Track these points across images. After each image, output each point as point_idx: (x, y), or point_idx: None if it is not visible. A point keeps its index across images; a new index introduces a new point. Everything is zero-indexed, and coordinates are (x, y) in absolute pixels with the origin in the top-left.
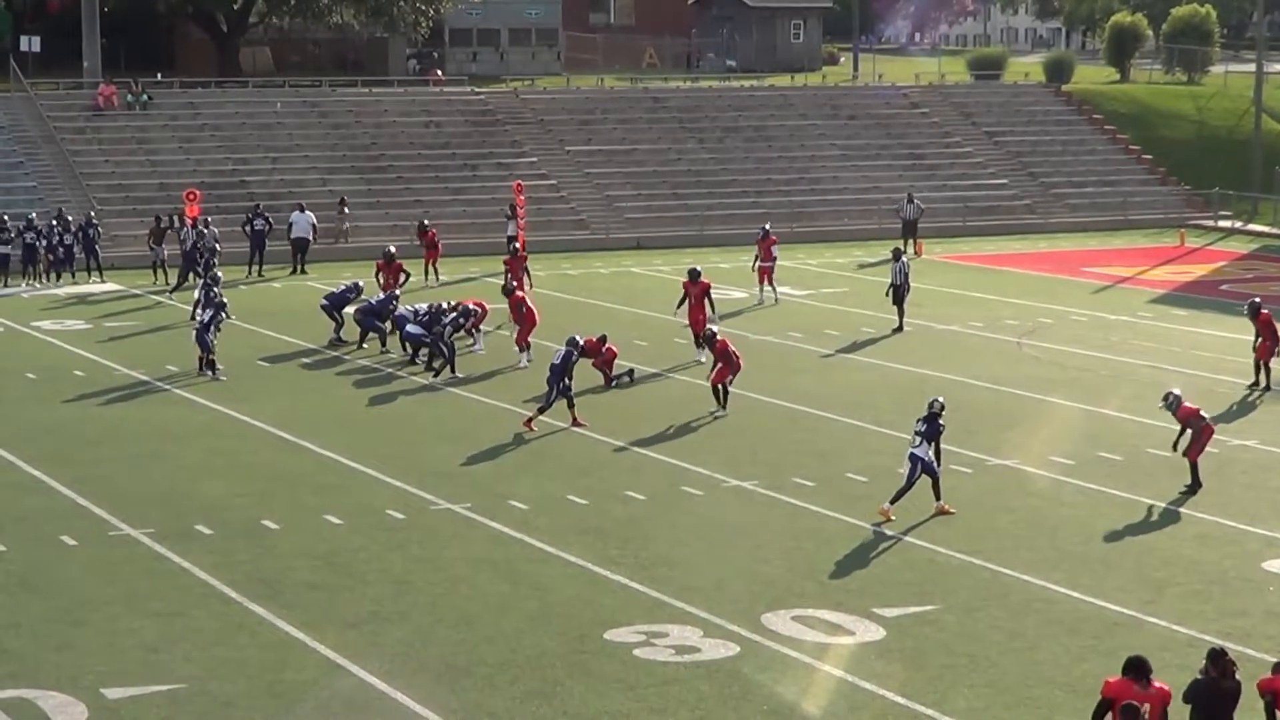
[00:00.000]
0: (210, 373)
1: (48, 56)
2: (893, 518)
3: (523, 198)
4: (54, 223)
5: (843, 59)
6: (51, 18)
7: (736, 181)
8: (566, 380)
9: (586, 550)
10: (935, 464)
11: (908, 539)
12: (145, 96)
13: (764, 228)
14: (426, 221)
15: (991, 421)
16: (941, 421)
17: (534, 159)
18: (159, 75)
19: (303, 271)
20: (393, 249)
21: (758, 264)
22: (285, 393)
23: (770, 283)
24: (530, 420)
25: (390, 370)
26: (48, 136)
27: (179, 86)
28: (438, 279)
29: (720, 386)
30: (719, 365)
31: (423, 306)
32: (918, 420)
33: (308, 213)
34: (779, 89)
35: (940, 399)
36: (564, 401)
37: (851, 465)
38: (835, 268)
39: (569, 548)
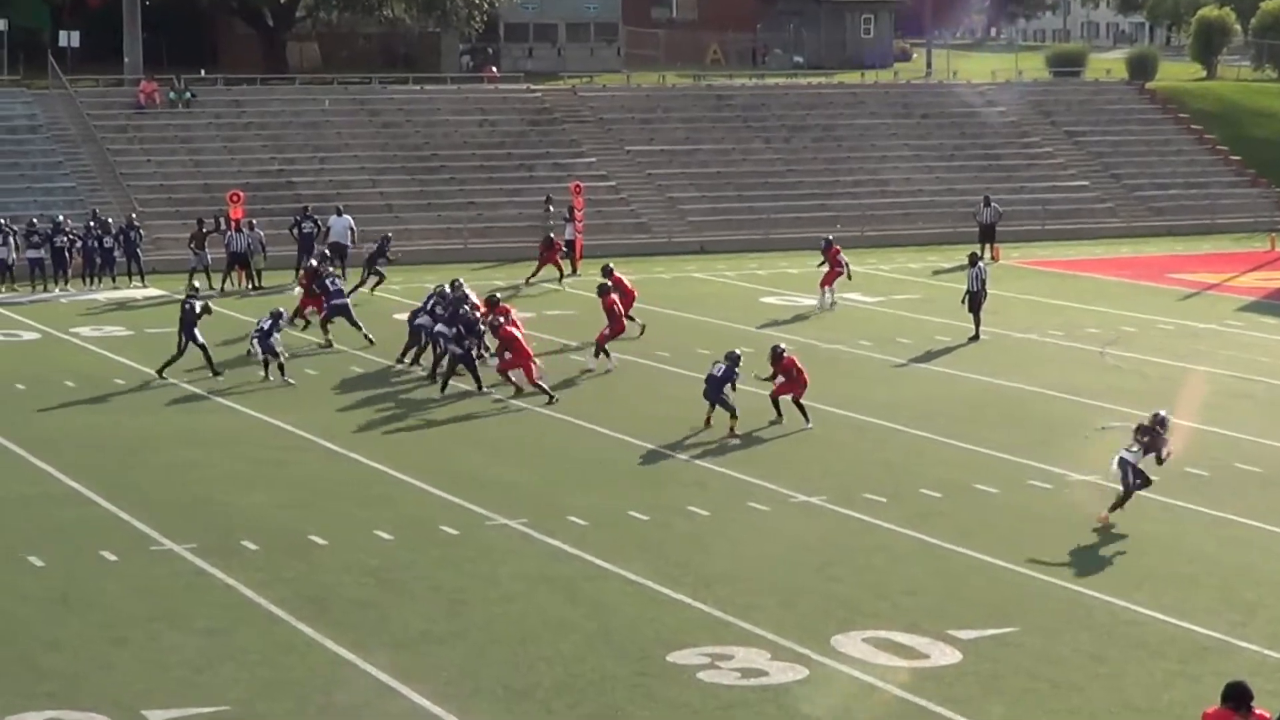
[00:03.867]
0: (281, 376)
1: (87, 52)
2: (1114, 526)
3: (581, 199)
4: (91, 224)
5: (915, 55)
6: (92, 12)
7: (804, 183)
8: (728, 391)
9: (648, 568)
10: (1144, 476)
11: (984, 557)
12: (188, 94)
13: (826, 238)
14: (552, 236)
15: (1071, 435)
16: (1167, 436)
17: (593, 159)
18: (202, 71)
19: (343, 277)
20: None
21: (824, 270)
22: (333, 401)
23: (829, 287)
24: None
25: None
26: (87, 135)
27: (223, 83)
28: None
29: (777, 400)
30: (780, 380)
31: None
32: (1136, 429)
33: (345, 216)
34: (848, 86)
35: (1163, 412)
36: (726, 413)
37: (925, 480)
38: (908, 273)
39: (630, 565)
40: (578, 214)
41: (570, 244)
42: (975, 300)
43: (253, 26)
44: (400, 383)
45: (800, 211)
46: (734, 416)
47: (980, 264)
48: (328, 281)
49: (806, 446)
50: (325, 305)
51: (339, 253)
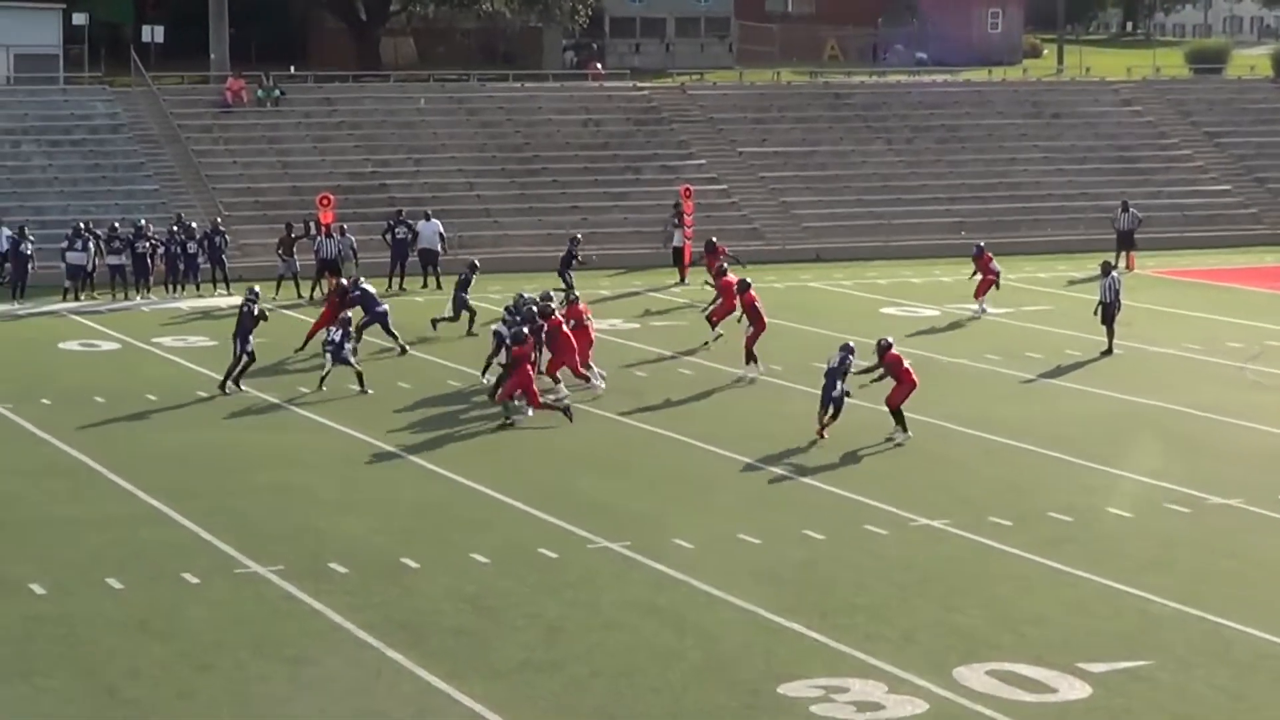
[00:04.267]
0: (360, 387)
1: (172, 48)
2: None
3: (691, 204)
4: (174, 229)
5: (1046, 51)
6: (177, 6)
7: (926, 187)
8: (840, 389)
9: (759, 595)
10: None
11: (1116, 585)
12: (277, 91)
13: (978, 244)
14: (715, 239)
15: (1212, 455)
16: None
17: (702, 161)
18: (292, 68)
19: (438, 286)
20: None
21: (977, 279)
22: (429, 418)
23: (982, 299)
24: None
25: (540, 393)
26: (171, 135)
27: (313, 80)
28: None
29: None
30: (879, 373)
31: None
32: None
33: (434, 221)
34: (974, 84)
35: None
36: (829, 412)
37: (1055, 503)
38: (1037, 283)
39: (740, 592)
40: (687, 219)
41: (678, 251)
42: (1108, 312)
43: (345, 21)
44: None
45: (922, 217)
46: (834, 417)
47: (1114, 274)
48: (361, 290)
49: (928, 467)
50: (367, 314)
51: (430, 259)
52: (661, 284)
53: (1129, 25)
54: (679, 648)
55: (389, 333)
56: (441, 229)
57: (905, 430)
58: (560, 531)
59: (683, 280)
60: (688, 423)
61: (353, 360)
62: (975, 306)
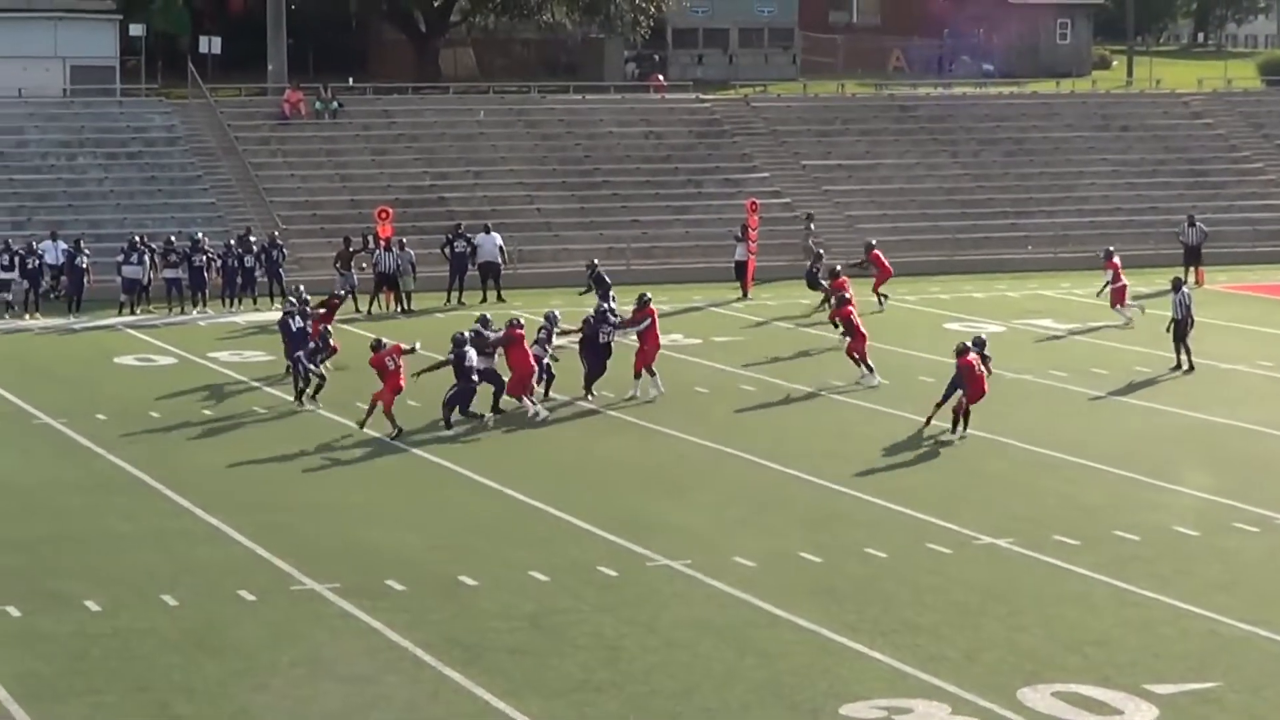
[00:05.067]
0: (303, 403)
1: (229, 59)
2: None
3: (756, 218)
4: (231, 242)
5: (1115, 62)
6: (234, 17)
7: (993, 201)
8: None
9: (820, 614)
10: None
11: (1184, 606)
12: (335, 103)
13: (1107, 249)
14: (873, 241)
15: None
16: None
17: (765, 174)
18: (350, 80)
19: (500, 299)
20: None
21: (1108, 288)
22: (487, 435)
23: (1121, 305)
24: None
25: (602, 409)
26: (228, 148)
27: (372, 92)
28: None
29: (966, 413)
30: (955, 390)
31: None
32: None
33: (494, 234)
34: (1042, 96)
35: None
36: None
37: (1122, 522)
38: (1106, 298)
39: (801, 611)
40: (751, 233)
41: (740, 265)
42: (1180, 329)
43: (404, 32)
44: (562, 415)
45: (989, 231)
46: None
47: (1184, 289)
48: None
49: (992, 485)
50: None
51: (491, 272)
52: (723, 299)
53: (1200, 36)
54: (739, 667)
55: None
56: (501, 242)
57: (961, 433)
58: (619, 549)
59: (745, 295)
60: (749, 439)
61: (313, 368)
62: (1125, 313)
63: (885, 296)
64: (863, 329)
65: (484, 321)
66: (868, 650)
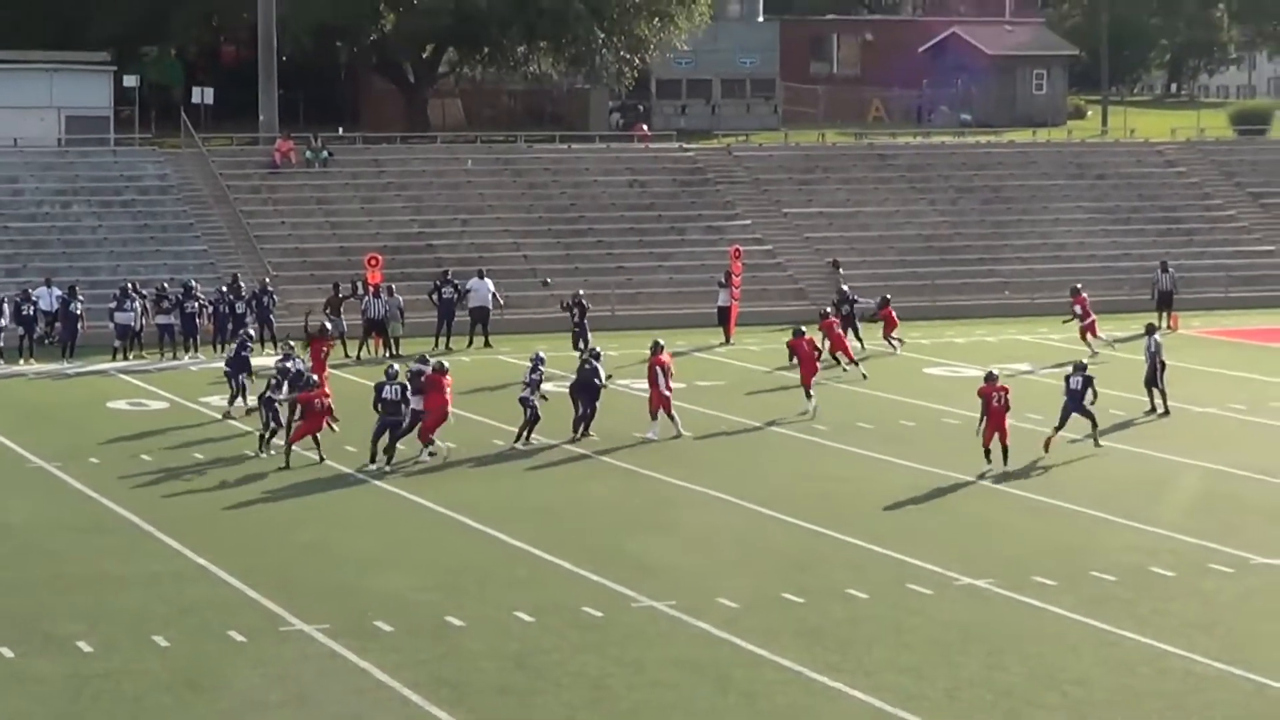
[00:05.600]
0: (264, 451)
1: (221, 109)
2: None
3: (740, 264)
4: (223, 289)
5: (1090, 112)
6: (226, 68)
7: (971, 247)
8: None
9: (803, 654)
10: None
11: (1162, 645)
12: (325, 153)
13: (1074, 286)
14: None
15: (1258, 515)
16: None
17: (748, 221)
18: (340, 130)
19: (486, 344)
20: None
21: (1077, 322)
22: (474, 477)
23: (1096, 336)
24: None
25: (588, 453)
26: (220, 196)
27: (362, 142)
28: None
29: (1001, 445)
30: (984, 420)
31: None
32: None
33: (486, 280)
34: (1019, 145)
35: None
36: (1089, 421)
37: (1099, 562)
38: (1082, 343)
39: (783, 651)
40: (735, 279)
41: (724, 310)
42: (1152, 373)
43: (393, 83)
44: (549, 458)
45: (967, 277)
46: (1095, 425)
47: (1156, 335)
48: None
49: (972, 526)
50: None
51: (481, 317)
52: (706, 344)
53: (1173, 87)
54: (722, 707)
55: None
56: (493, 288)
57: (1004, 463)
58: (604, 590)
59: (728, 340)
60: (732, 482)
61: (266, 415)
62: (1098, 346)
63: (900, 341)
64: (817, 363)
65: (422, 360)
66: (849, 690)
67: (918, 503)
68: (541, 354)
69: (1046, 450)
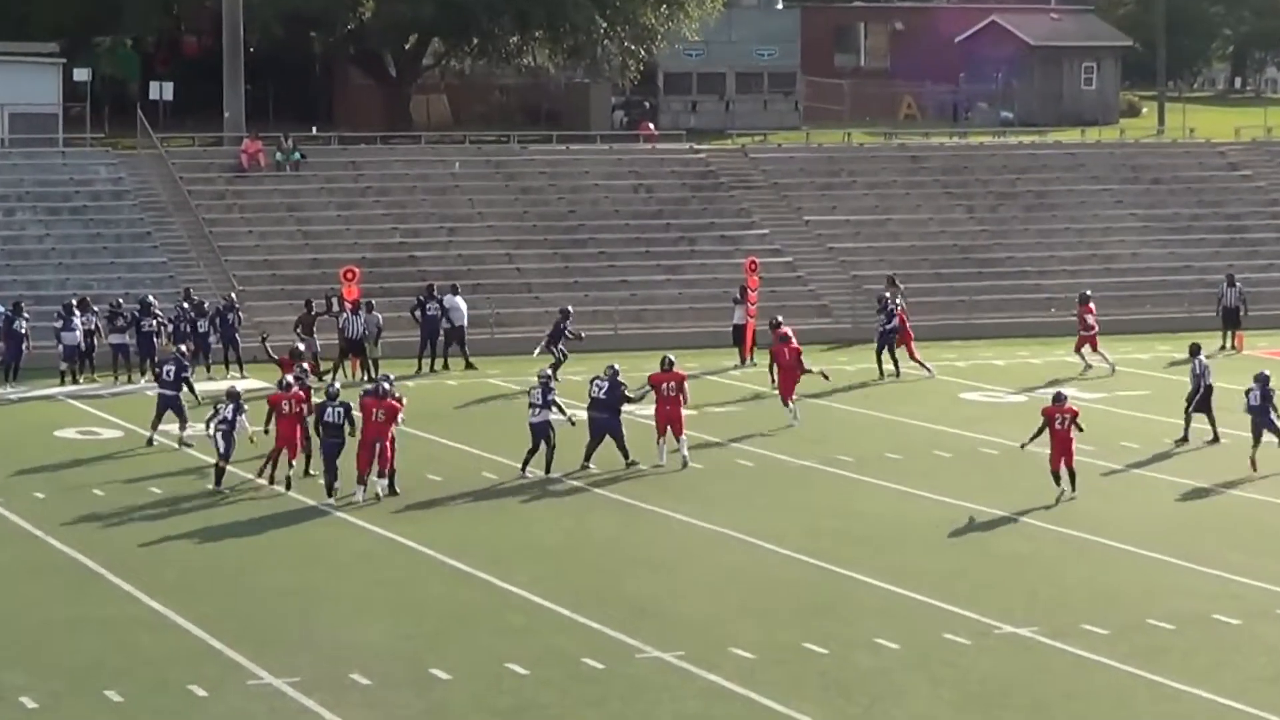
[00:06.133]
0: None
1: (182, 106)
2: None
3: (756, 278)
4: (184, 305)
5: (1145, 109)
6: (187, 61)
7: (1013, 259)
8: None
9: (827, 710)
10: None
11: (1226, 701)
12: (297, 154)
13: (1084, 293)
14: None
15: None
16: None
17: (765, 230)
18: (314, 129)
19: (469, 365)
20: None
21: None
22: (463, 513)
23: (1095, 350)
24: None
25: (586, 486)
26: (180, 203)
27: (337, 142)
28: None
29: (1068, 471)
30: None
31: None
32: None
33: (459, 296)
34: (1066, 146)
35: None
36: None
37: (1154, 609)
38: (1135, 365)
39: (806, 707)
40: (750, 295)
41: (738, 329)
42: (1200, 398)
43: (372, 77)
44: (543, 492)
45: (1007, 293)
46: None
47: (1202, 355)
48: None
49: (1013, 568)
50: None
51: (458, 337)
52: (720, 366)
53: (1237, 81)
54: None
55: None
56: (464, 305)
57: (1071, 490)
58: (606, 639)
59: (743, 362)
60: (746, 518)
61: (224, 448)
62: (1099, 363)
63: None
64: (799, 372)
65: (388, 380)
66: None
67: (953, 542)
68: (549, 371)
69: (1254, 469)
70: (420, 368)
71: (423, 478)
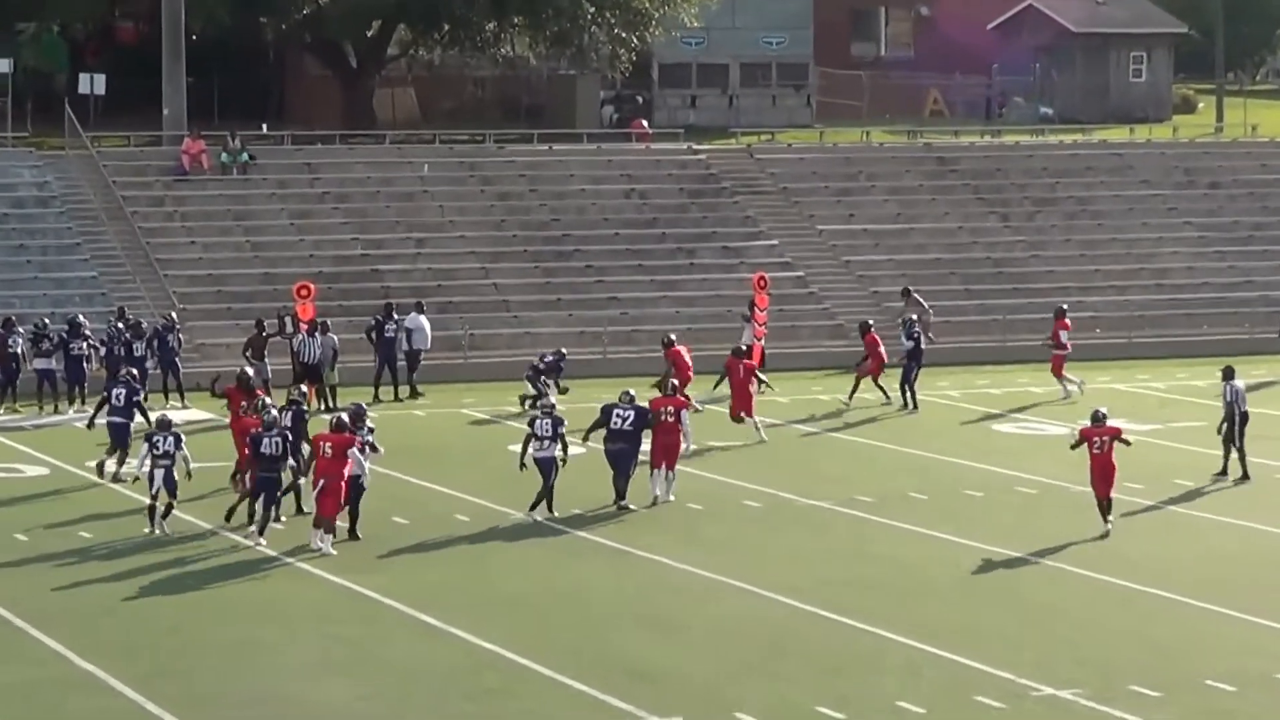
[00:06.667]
0: (155, 527)
1: (116, 101)
2: None
3: (765, 295)
4: (117, 326)
5: (1202, 104)
6: (121, 50)
7: (1053, 274)
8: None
9: None
10: None
11: None
12: (245, 155)
13: (1060, 306)
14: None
15: None
16: None
17: (773, 241)
18: (264, 126)
19: (413, 394)
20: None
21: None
22: (432, 561)
23: (1058, 374)
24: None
25: (571, 530)
26: (113, 210)
27: (291, 141)
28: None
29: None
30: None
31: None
32: None
33: (423, 315)
34: (1112, 146)
35: None
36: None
37: (1212, 668)
38: (1190, 392)
39: None
40: (758, 314)
41: (747, 351)
42: (1231, 426)
43: (330, 68)
44: (522, 534)
45: (1046, 312)
46: None
47: (1237, 379)
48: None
49: (1051, 621)
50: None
51: (415, 361)
52: (723, 395)
53: None
54: None
55: None
56: (428, 325)
57: (1105, 521)
58: (595, 704)
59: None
60: (753, 566)
61: (161, 483)
62: (1067, 387)
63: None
64: (750, 389)
65: (361, 414)
66: None
67: (984, 591)
68: (553, 400)
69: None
70: (377, 396)
71: (387, 520)
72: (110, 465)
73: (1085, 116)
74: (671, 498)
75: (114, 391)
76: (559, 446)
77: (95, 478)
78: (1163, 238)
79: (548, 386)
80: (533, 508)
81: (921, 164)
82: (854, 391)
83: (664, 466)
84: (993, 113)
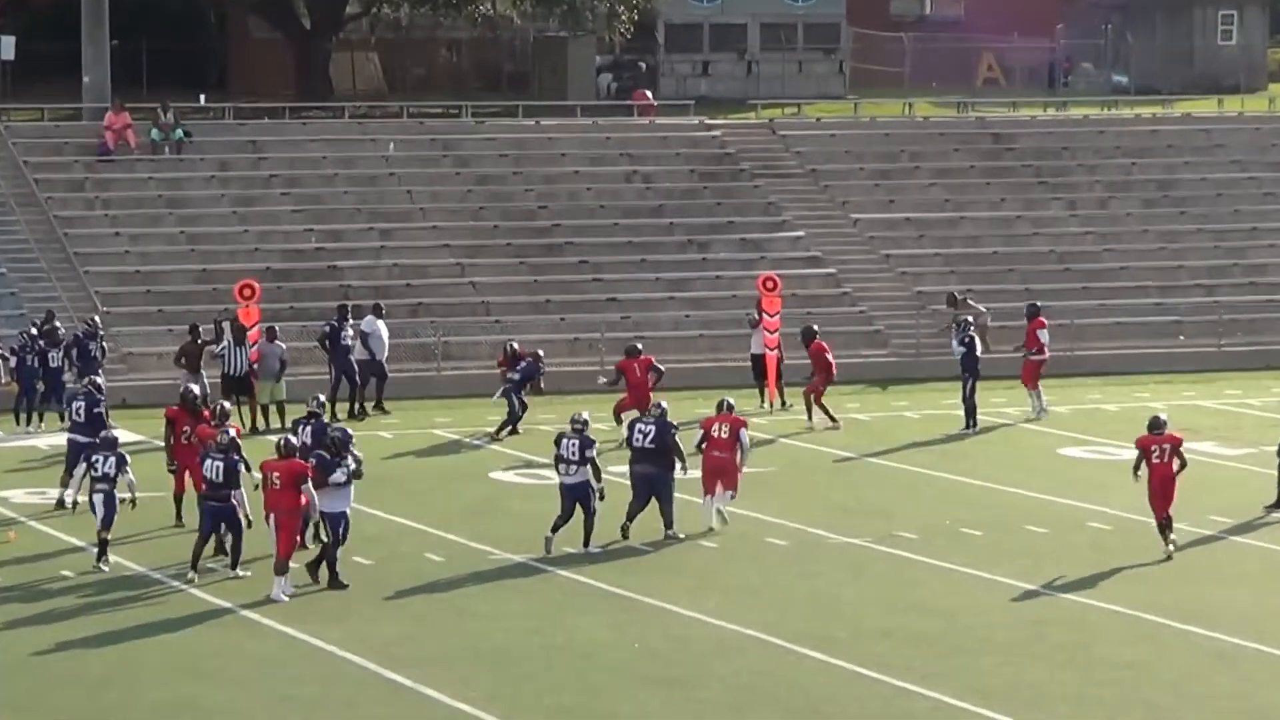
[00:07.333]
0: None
1: (28, 68)
2: None
3: (775, 299)
4: (31, 332)
5: None
6: (36, 9)
7: (1128, 270)
8: None
9: None
10: None
11: None
12: (179, 131)
13: (1033, 304)
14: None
15: None
16: None
17: (799, 233)
18: (202, 97)
19: (379, 407)
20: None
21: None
22: (399, 608)
23: (1031, 384)
24: None
25: (564, 572)
26: (24, 195)
27: (233, 115)
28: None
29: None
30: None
31: None
32: None
33: (382, 320)
34: (1197, 120)
35: None
36: None
37: None
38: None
39: None
40: (768, 320)
41: (757, 360)
42: None
43: (280, 30)
44: (504, 577)
45: (1122, 314)
46: None
47: None
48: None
49: (1121, 678)
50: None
51: (377, 372)
52: (741, 411)
53: None
54: None
55: None
56: (385, 333)
57: (1166, 542)
58: None
59: (765, 404)
60: (775, 614)
61: (104, 513)
62: (1033, 404)
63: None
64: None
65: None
66: None
67: (1048, 645)
68: (584, 416)
69: None
70: (334, 414)
71: (348, 561)
72: (69, 495)
73: (1165, 86)
74: (725, 518)
75: (74, 405)
76: (590, 470)
77: (6, 511)
78: (1257, 228)
79: (523, 404)
80: (555, 530)
81: (973, 142)
82: (810, 412)
83: (717, 491)
84: (1057, 81)
